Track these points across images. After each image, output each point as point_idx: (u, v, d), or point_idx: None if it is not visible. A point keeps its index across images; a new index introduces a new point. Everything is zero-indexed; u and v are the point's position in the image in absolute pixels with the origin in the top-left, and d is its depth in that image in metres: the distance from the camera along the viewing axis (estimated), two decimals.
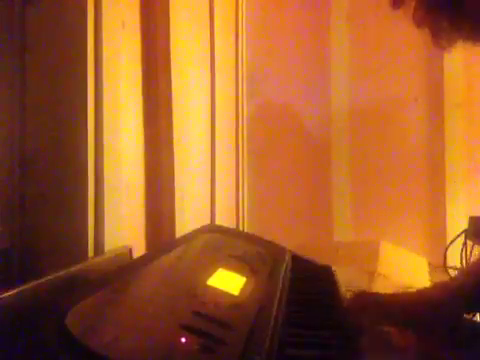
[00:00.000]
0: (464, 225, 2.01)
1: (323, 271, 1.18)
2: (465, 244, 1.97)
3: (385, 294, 0.94)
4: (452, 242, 2.00)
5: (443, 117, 2.44)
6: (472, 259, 1.92)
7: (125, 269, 0.78)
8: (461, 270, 1.79)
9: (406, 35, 2.42)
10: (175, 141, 1.31)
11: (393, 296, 0.94)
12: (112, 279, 0.67)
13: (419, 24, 0.75)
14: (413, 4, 0.74)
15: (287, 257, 1.16)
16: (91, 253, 0.92)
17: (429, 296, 0.90)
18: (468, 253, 1.95)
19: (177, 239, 1.20)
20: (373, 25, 2.50)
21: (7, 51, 0.91)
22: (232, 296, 0.74)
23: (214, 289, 0.73)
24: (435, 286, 0.94)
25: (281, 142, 2.58)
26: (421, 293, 0.91)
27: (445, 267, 1.96)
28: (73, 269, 0.80)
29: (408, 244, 2.27)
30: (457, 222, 2.31)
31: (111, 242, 0.97)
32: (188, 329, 0.56)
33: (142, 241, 1.23)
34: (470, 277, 0.92)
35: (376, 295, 0.94)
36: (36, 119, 0.92)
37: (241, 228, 2.28)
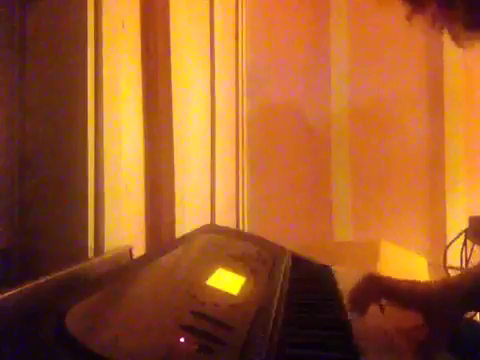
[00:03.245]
0: (464, 225, 2.01)
1: (323, 271, 1.18)
2: (465, 244, 1.97)
3: (393, 278, 0.94)
4: (452, 242, 2.01)
5: (443, 117, 2.44)
6: (472, 259, 1.92)
7: (125, 269, 0.78)
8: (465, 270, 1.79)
9: (406, 35, 2.43)
10: (175, 141, 1.31)
11: (401, 281, 0.93)
12: (112, 279, 0.67)
13: (439, 27, 0.75)
14: (431, 8, 0.74)
15: (287, 257, 1.16)
16: (91, 253, 0.92)
17: (431, 290, 0.90)
18: (468, 253, 1.96)
19: (177, 239, 1.20)
20: (373, 24, 2.50)
21: (7, 51, 0.91)
22: (231, 296, 0.74)
23: (213, 289, 0.73)
24: (436, 283, 0.94)
25: (281, 142, 2.58)
26: (425, 284, 0.91)
27: (445, 267, 1.96)
28: (73, 269, 0.80)
29: (408, 244, 2.27)
30: (457, 222, 2.31)
31: (111, 242, 0.97)
32: (187, 329, 0.56)
33: (142, 241, 1.23)
34: (472, 275, 0.92)
35: (384, 277, 0.94)
36: (36, 119, 0.92)
37: (241, 228, 2.28)
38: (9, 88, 0.91)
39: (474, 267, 1.03)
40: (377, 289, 0.87)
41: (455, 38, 0.76)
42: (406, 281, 0.92)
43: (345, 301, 0.89)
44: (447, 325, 0.84)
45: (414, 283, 0.92)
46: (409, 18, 0.76)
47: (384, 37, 2.48)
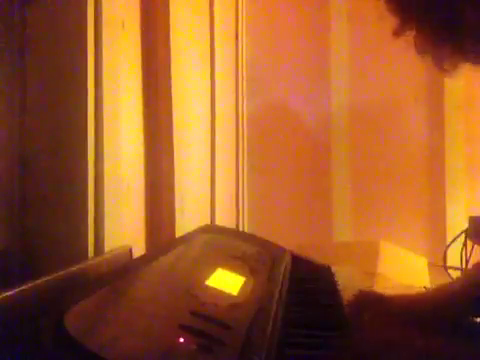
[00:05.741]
0: (464, 225, 2.01)
1: (323, 271, 1.19)
2: (465, 244, 1.97)
3: (386, 294, 0.95)
4: (452, 242, 2.00)
5: (443, 117, 2.44)
6: (472, 259, 1.92)
7: (125, 269, 0.78)
8: (464, 271, 1.79)
9: (406, 35, 2.42)
10: (175, 141, 1.32)
11: (394, 296, 0.94)
12: (112, 279, 0.67)
13: (421, 51, 0.75)
14: (414, 32, 0.74)
15: (286, 257, 1.16)
16: (91, 253, 0.92)
17: (431, 297, 0.90)
18: (468, 253, 1.95)
19: (177, 239, 1.20)
20: (373, 25, 2.49)
21: (7, 51, 0.91)
22: (231, 296, 0.74)
23: (213, 289, 0.73)
24: (437, 288, 0.95)
25: (281, 142, 2.58)
26: (423, 294, 0.92)
27: (445, 267, 1.96)
28: (73, 269, 0.80)
29: (408, 244, 2.27)
30: (457, 222, 2.31)
31: (111, 242, 0.97)
32: (187, 329, 0.56)
33: (142, 241, 1.23)
34: (473, 278, 0.92)
35: (377, 294, 0.95)
36: (36, 119, 0.92)
37: (241, 228, 2.28)
38: (9, 88, 0.91)
39: (467, 274, 1.04)
40: (372, 311, 0.88)
41: (438, 62, 0.76)
42: (399, 296, 0.93)
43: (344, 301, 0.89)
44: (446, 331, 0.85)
45: (411, 295, 0.93)
46: (397, 34, 0.76)
47: (384, 37, 2.48)
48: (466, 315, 0.91)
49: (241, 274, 0.85)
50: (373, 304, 0.90)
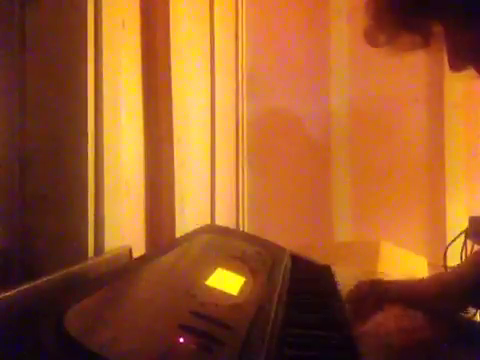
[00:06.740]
0: (464, 225, 2.01)
1: (323, 271, 1.18)
2: (465, 244, 1.96)
3: (386, 281, 0.95)
4: (452, 242, 2.00)
5: (443, 117, 2.44)
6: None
7: (125, 269, 0.78)
8: (461, 263, 1.79)
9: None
10: (175, 141, 1.32)
11: (394, 283, 0.94)
12: (112, 279, 0.67)
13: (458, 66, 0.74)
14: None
15: (286, 257, 1.16)
16: (91, 253, 0.92)
17: (429, 286, 0.90)
18: (468, 253, 1.95)
19: (177, 239, 1.20)
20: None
21: (7, 51, 0.91)
22: (231, 296, 0.74)
23: (213, 289, 0.73)
24: (435, 277, 0.95)
25: (281, 142, 2.58)
26: (422, 283, 0.91)
27: (445, 267, 1.96)
28: (73, 269, 0.80)
29: (408, 244, 2.27)
30: (457, 222, 2.31)
31: (111, 242, 0.97)
32: (186, 329, 0.56)
33: (142, 241, 1.23)
34: (471, 268, 0.92)
35: (378, 282, 0.94)
36: (36, 119, 0.92)
37: (241, 228, 2.28)
38: (9, 88, 0.91)
39: (466, 262, 1.04)
40: (375, 295, 0.88)
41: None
42: (400, 281, 0.93)
43: (345, 303, 0.89)
44: (444, 320, 0.85)
45: (410, 282, 0.93)
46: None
47: None
48: (466, 304, 0.91)
49: (241, 274, 0.85)
50: (373, 292, 0.90)
